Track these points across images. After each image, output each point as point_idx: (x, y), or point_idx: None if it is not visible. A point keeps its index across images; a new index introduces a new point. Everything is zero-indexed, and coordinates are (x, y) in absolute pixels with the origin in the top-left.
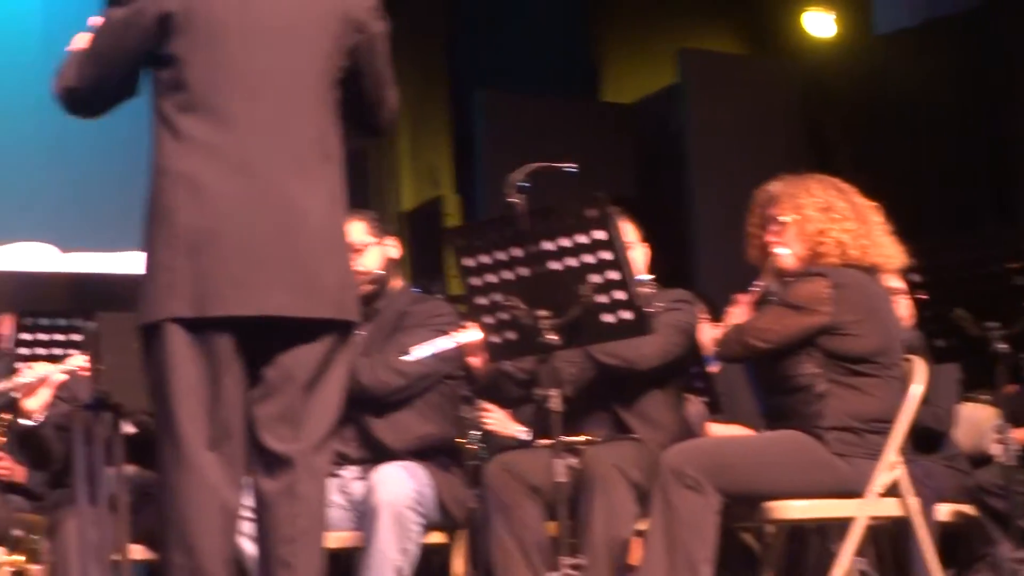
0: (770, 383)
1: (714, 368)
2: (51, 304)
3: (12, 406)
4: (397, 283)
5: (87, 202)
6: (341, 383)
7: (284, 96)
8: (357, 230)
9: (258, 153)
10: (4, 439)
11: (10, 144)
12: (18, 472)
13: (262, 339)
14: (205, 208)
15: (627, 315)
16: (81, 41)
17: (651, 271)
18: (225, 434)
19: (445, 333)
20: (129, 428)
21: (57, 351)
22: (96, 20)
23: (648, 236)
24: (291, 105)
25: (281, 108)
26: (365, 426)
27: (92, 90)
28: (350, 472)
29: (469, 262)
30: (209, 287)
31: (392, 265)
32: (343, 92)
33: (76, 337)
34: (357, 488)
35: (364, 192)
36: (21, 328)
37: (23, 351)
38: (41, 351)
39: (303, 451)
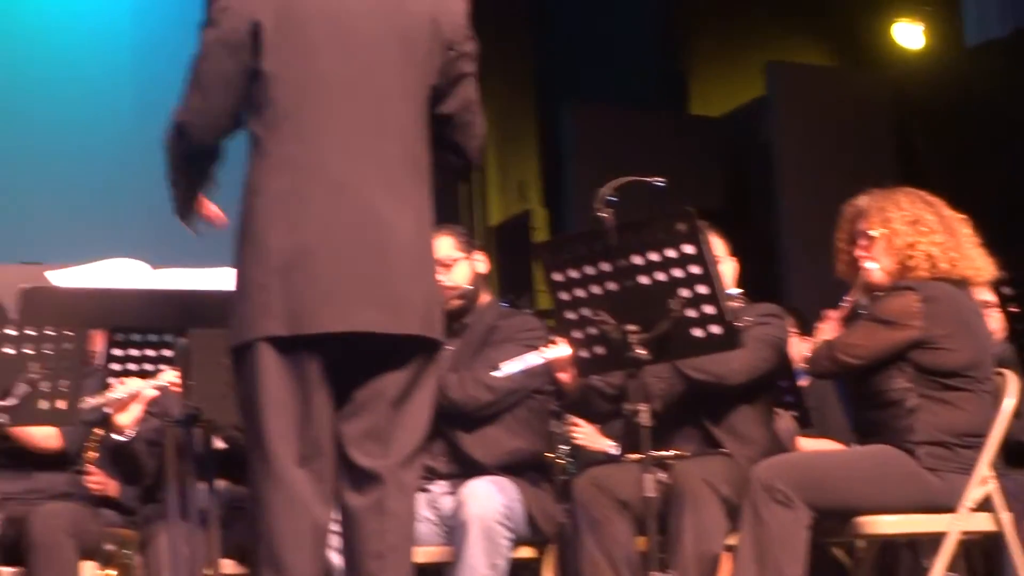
0: (861, 398)
1: (804, 382)
2: (142, 320)
3: (104, 421)
4: (485, 298)
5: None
6: (429, 399)
7: (374, 113)
8: (445, 245)
9: (347, 170)
10: (96, 454)
11: (101, 160)
12: (111, 486)
13: (351, 356)
14: (295, 227)
15: (716, 329)
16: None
17: (740, 285)
18: (315, 451)
19: (534, 348)
20: (219, 443)
21: (148, 367)
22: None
23: (736, 250)
24: (381, 123)
25: (371, 125)
26: (454, 441)
27: (202, 121)
28: (439, 487)
29: (558, 276)
30: (302, 305)
31: (480, 280)
32: (432, 116)
33: (167, 353)
34: (446, 503)
35: (452, 206)
36: (112, 344)
37: (115, 367)
38: (132, 367)
39: (391, 467)
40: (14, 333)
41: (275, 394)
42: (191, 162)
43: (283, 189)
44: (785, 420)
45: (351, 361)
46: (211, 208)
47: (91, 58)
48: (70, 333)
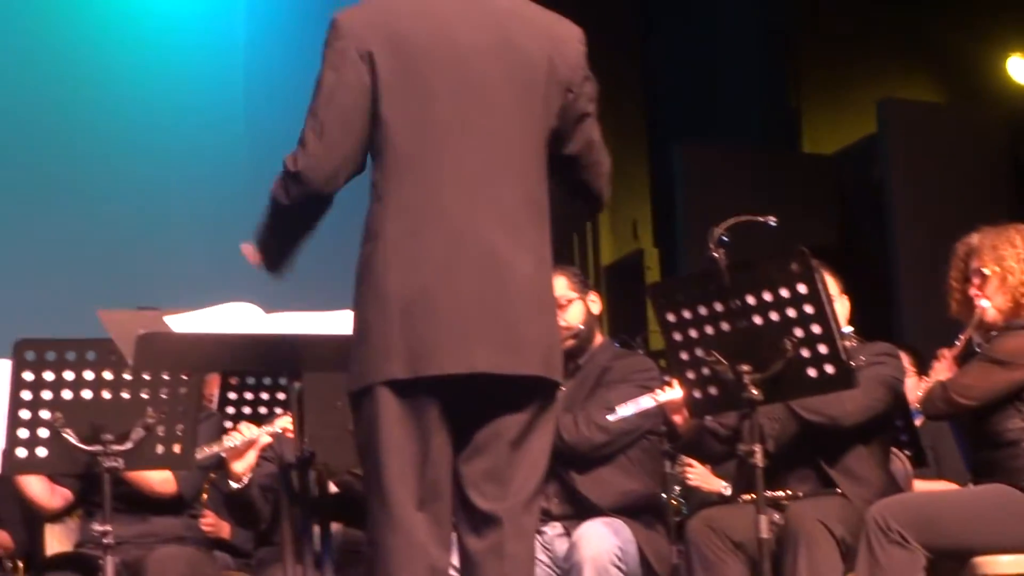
0: (976, 438)
1: (920, 422)
2: (256, 365)
3: (220, 466)
4: (598, 338)
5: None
6: (547, 441)
7: (492, 156)
8: (560, 285)
9: (466, 213)
10: (207, 496)
11: (215, 205)
12: (223, 528)
13: (470, 398)
14: (414, 271)
15: (831, 369)
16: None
17: (853, 323)
18: (434, 494)
19: (648, 389)
20: (333, 487)
21: (262, 410)
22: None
23: (849, 288)
24: (499, 165)
25: (489, 168)
26: (568, 482)
27: (323, 168)
28: (553, 529)
29: (671, 317)
30: (422, 348)
31: (594, 320)
32: (555, 158)
33: (280, 396)
34: (560, 545)
35: (565, 246)
36: (227, 388)
37: (229, 411)
38: (246, 410)
39: (510, 509)
40: (130, 378)
41: (394, 438)
42: (301, 214)
43: (402, 233)
44: (901, 460)
45: (470, 402)
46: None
47: (205, 99)
48: (185, 377)
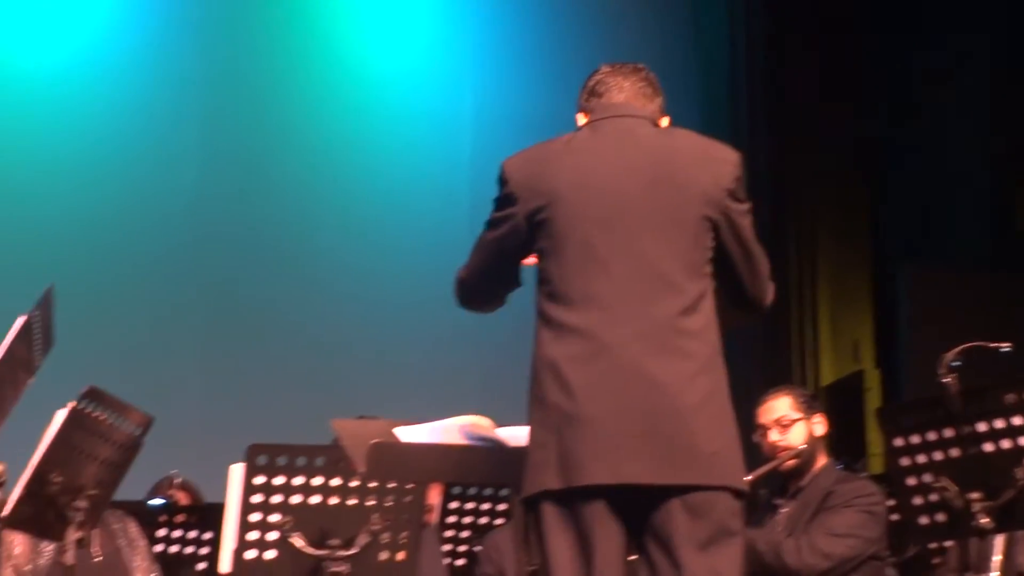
0: None
1: None
2: (481, 477)
3: None
4: (821, 460)
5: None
6: (735, 559)
7: (646, 279)
8: (783, 405)
9: (619, 335)
10: None
11: (444, 319)
12: None
13: (643, 518)
14: (569, 390)
15: None
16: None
17: None
18: None
19: (871, 514)
20: None
21: (482, 521)
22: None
23: None
24: (652, 289)
25: (642, 290)
26: None
27: (471, 283)
28: None
29: (899, 442)
30: (573, 461)
31: (817, 442)
32: (714, 269)
33: (501, 507)
34: None
35: (784, 365)
36: (449, 498)
37: (450, 520)
38: (467, 520)
39: None
40: (356, 485)
41: (562, 562)
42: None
43: (559, 355)
44: None
45: (643, 520)
46: None
47: (431, 218)
48: (411, 486)
